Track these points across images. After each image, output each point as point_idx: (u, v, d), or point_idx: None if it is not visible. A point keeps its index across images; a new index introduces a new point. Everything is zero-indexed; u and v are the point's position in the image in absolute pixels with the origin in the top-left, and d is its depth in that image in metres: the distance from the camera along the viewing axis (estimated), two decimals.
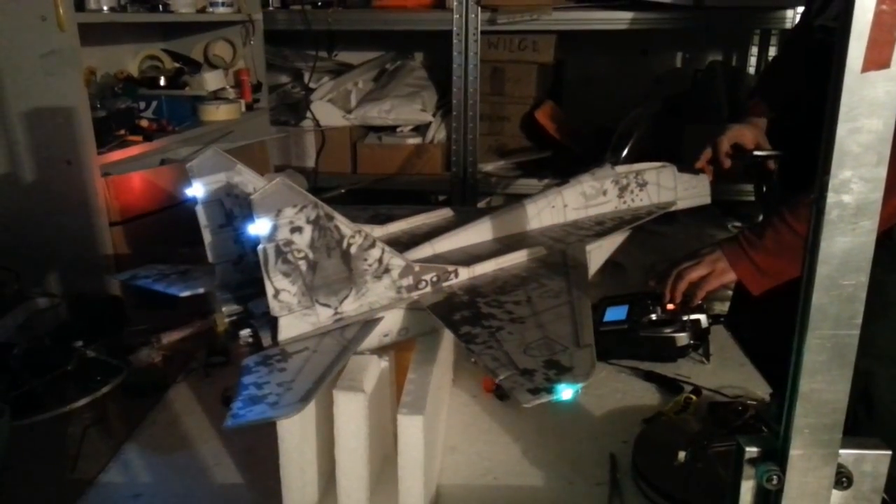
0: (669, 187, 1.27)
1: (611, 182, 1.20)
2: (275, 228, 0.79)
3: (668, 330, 1.30)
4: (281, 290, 0.81)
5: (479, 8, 2.31)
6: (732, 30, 2.84)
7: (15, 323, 1.34)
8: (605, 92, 2.92)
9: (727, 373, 1.29)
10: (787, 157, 1.41)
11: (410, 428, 0.81)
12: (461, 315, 0.88)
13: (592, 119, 2.76)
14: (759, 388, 1.23)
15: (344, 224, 0.84)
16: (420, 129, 2.57)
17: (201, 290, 1.02)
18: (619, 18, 2.40)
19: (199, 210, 0.95)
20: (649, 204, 1.24)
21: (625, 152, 1.21)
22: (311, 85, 2.55)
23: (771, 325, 1.43)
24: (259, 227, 0.78)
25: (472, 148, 2.44)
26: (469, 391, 1.23)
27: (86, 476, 1.02)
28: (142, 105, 1.84)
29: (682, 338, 1.29)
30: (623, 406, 1.19)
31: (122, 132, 1.70)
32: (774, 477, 0.67)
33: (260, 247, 0.79)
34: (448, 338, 1.01)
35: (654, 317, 1.32)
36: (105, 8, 1.60)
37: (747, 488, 0.70)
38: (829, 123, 0.59)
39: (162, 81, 2.04)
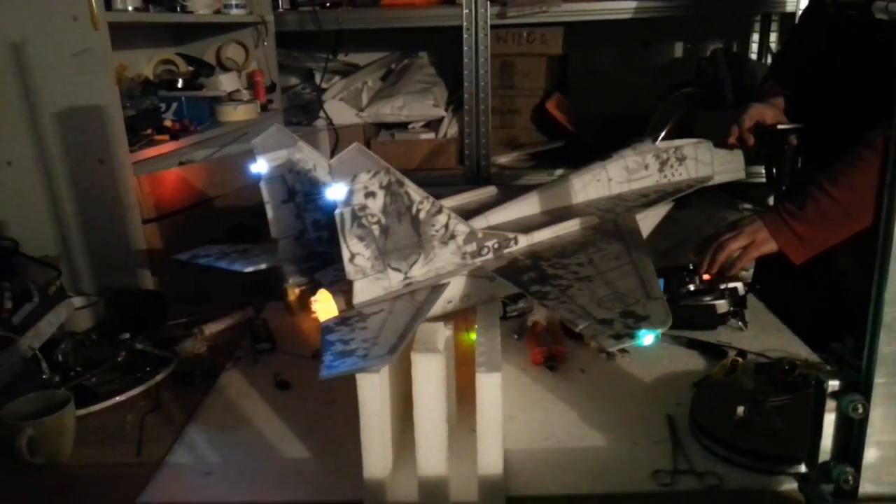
0: (706, 162, 1.30)
1: (651, 156, 1.22)
2: (350, 193, 0.80)
3: (708, 298, 1.33)
4: (356, 253, 0.83)
5: (489, 2, 2.34)
6: (734, 17, 2.88)
7: (59, 320, 1.35)
8: (610, 84, 2.96)
9: (766, 337, 1.32)
10: (808, 130, 1.44)
11: (489, 385, 0.83)
12: (528, 276, 0.90)
13: (598, 111, 2.79)
14: (801, 350, 1.25)
15: (413, 190, 0.85)
16: (432, 125, 2.59)
17: (264, 266, 1.03)
18: (625, 8, 2.44)
19: (263, 186, 0.97)
20: (688, 178, 1.27)
21: (664, 131, 1.24)
22: (323, 85, 2.57)
23: (802, 290, 1.47)
24: (336, 192, 0.80)
25: (485, 141, 2.46)
26: (517, 365, 1.24)
27: (152, 458, 1.03)
28: (162, 106, 1.85)
29: (722, 305, 1.32)
30: (670, 372, 1.22)
31: (150, 131, 1.71)
32: (860, 406, 0.69)
33: (337, 211, 0.81)
34: None
35: (692, 287, 1.34)
36: (130, 8, 1.62)
37: (829, 421, 0.72)
38: None
39: (180, 84, 2.05)
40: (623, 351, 1.26)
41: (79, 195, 1.56)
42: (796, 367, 1.13)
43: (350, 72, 2.74)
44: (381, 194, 0.83)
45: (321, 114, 2.50)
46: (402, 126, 2.61)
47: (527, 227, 1.03)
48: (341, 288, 0.88)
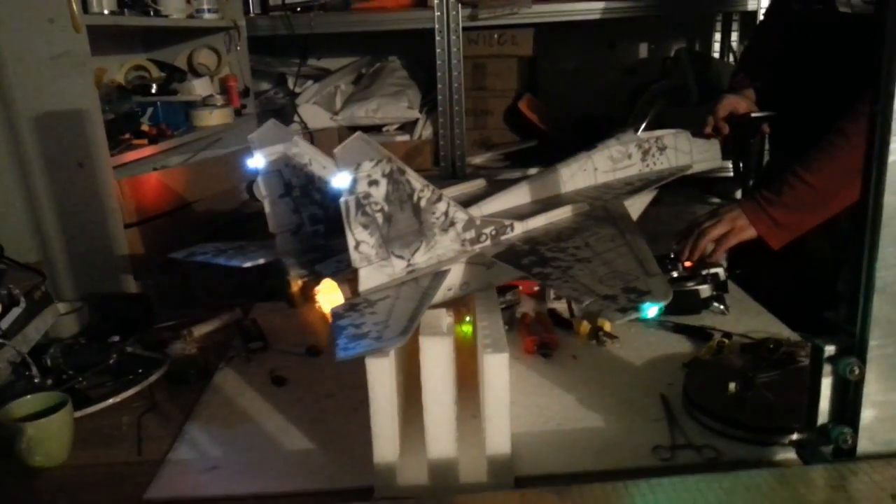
0: (685, 151, 1.34)
1: (634, 146, 1.26)
2: (354, 182, 0.82)
3: (691, 284, 1.37)
4: (361, 241, 0.84)
5: (460, 5, 2.37)
6: (695, 16, 2.96)
7: (45, 325, 1.33)
8: (578, 84, 3.01)
9: (747, 320, 1.36)
10: (780, 118, 1.50)
11: (496, 366, 0.85)
12: (528, 260, 0.92)
13: (567, 111, 2.84)
14: (782, 330, 1.30)
15: (414, 178, 0.87)
16: (406, 127, 2.61)
17: (262, 261, 1.03)
18: (591, 9, 2.49)
19: (260, 181, 0.97)
20: (669, 167, 1.31)
21: (645, 122, 1.28)
22: (296, 90, 2.57)
23: (775, 273, 1.52)
24: (340, 181, 0.81)
25: (459, 142, 2.49)
26: (511, 355, 1.26)
27: (154, 456, 1.02)
28: (140, 111, 1.84)
29: (705, 290, 1.36)
30: (660, 355, 1.25)
31: (128, 136, 1.70)
32: (856, 368, 0.72)
33: (342, 199, 0.82)
34: None
35: (675, 274, 1.38)
36: (106, 11, 1.61)
37: (827, 384, 0.75)
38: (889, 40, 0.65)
39: (154, 89, 2.04)
40: (612, 337, 1.29)
41: (58, 200, 1.54)
42: (781, 345, 1.17)
43: (321, 76, 2.74)
44: (383, 182, 0.84)
45: (296, 118, 2.50)
46: (377, 129, 2.62)
47: (520, 215, 1.06)
48: (346, 276, 0.89)
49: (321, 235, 1.05)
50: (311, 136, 2.50)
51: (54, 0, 1.42)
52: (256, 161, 0.97)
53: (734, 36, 2.90)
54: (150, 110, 1.89)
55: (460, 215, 0.93)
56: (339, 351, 0.75)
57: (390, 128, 2.60)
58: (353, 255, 0.84)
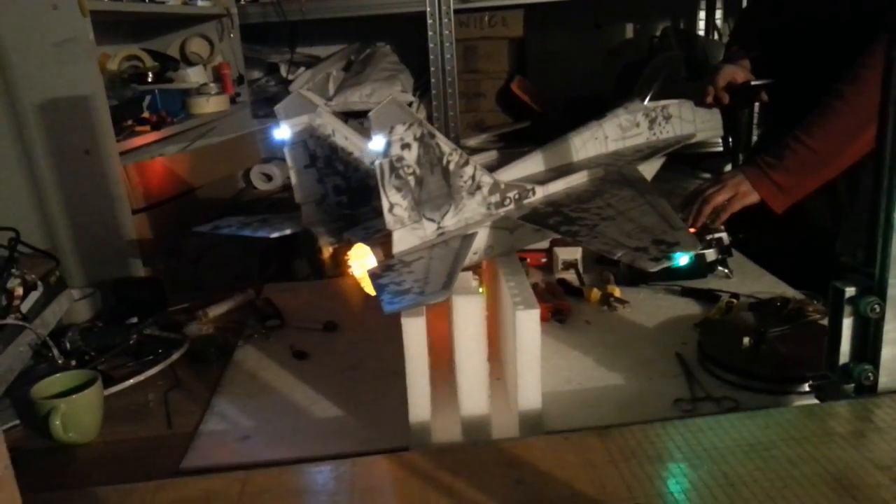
0: (689, 120, 1.37)
1: (642, 115, 1.28)
2: (388, 145, 0.84)
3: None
4: (395, 204, 0.86)
5: None
6: None
7: (62, 310, 1.33)
8: (566, 66, 3.05)
9: (751, 282, 1.40)
10: (778, 86, 1.53)
11: (528, 322, 0.87)
12: (554, 220, 0.94)
13: (557, 92, 2.87)
14: (786, 290, 1.34)
15: (444, 142, 0.89)
16: None
17: (288, 231, 1.05)
18: None
19: (286, 152, 0.99)
20: (675, 135, 1.34)
21: (652, 92, 1.30)
22: (289, 77, 2.58)
23: (779, 239, 1.56)
24: (375, 144, 0.83)
25: (453, 125, 2.51)
26: None
27: (184, 429, 1.04)
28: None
29: (711, 254, 1.40)
30: (671, 317, 1.28)
31: (130, 122, 1.70)
32: (877, 306, 0.76)
33: (377, 162, 0.84)
34: None
35: None
36: None
37: (847, 325, 0.79)
38: None
39: (150, 78, 2.04)
40: (623, 302, 1.32)
41: (65, 187, 1.54)
42: (789, 302, 1.20)
43: (312, 63, 2.75)
44: (415, 146, 0.86)
45: None
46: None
47: (539, 181, 1.08)
48: (378, 240, 0.91)
49: (344, 206, 1.07)
50: None
51: None
52: (282, 132, 0.98)
53: (718, 14, 2.95)
54: (148, 98, 1.89)
55: (486, 179, 0.95)
56: (386, 305, 0.77)
57: None
58: (388, 218, 0.86)
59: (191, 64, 2.33)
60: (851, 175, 1.40)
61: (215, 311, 1.43)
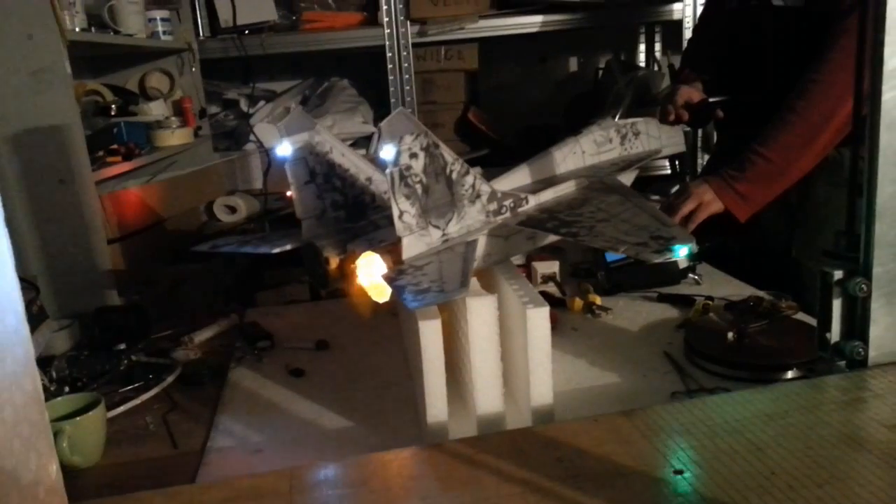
0: (656, 136, 1.45)
1: (614, 131, 1.36)
2: (398, 154, 0.87)
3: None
4: (404, 211, 0.90)
5: (409, 22, 2.46)
6: (620, 30, 3.16)
7: (44, 339, 1.31)
8: (515, 97, 3.16)
9: (720, 286, 1.48)
10: (732, 103, 1.64)
11: (538, 319, 0.91)
12: (552, 224, 0.99)
13: (507, 121, 2.97)
14: (755, 292, 1.41)
15: (447, 152, 0.93)
16: (360, 143, 2.66)
17: (289, 247, 1.07)
18: (532, 22, 2.62)
19: (287, 168, 1.01)
20: (644, 151, 1.42)
21: (621, 109, 1.38)
22: (249, 111, 2.59)
23: (738, 246, 1.66)
24: (385, 153, 0.87)
25: None
26: None
27: (191, 449, 1.03)
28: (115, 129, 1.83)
29: (683, 261, 1.47)
30: (652, 321, 1.35)
31: (102, 153, 1.69)
32: (864, 286, 0.83)
33: (388, 170, 0.87)
34: None
35: None
36: (77, 28, 1.60)
37: (837, 305, 0.85)
38: None
39: (113, 111, 2.02)
40: (605, 309, 1.38)
41: (38, 218, 1.51)
42: (762, 300, 1.28)
43: (269, 97, 2.77)
44: (422, 155, 0.90)
45: (251, 137, 2.51)
46: None
47: (529, 191, 1.13)
48: (386, 248, 0.94)
49: (342, 220, 1.09)
50: (269, 156, 2.51)
51: (32, 16, 1.42)
52: (284, 149, 1.01)
53: (657, 47, 3.11)
54: (114, 130, 1.88)
55: (485, 188, 1.00)
56: (410, 303, 0.80)
57: (346, 143, 2.64)
58: (398, 225, 0.89)
59: (150, 98, 2.32)
60: (801, 187, 1.51)
61: (200, 336, 1.43)
